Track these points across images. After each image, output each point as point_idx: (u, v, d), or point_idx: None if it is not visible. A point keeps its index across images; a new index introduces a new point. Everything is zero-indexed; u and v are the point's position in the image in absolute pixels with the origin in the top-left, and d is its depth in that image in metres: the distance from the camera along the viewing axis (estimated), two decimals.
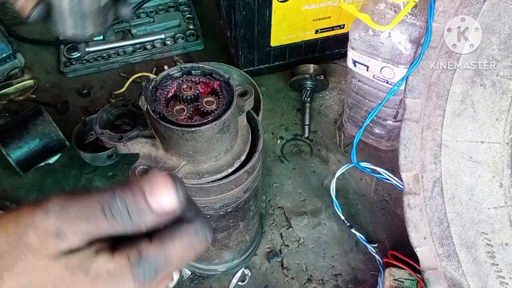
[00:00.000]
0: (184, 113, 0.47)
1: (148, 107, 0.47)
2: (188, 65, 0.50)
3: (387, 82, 0.74)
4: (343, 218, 0.77)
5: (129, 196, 0.28)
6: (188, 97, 0.48)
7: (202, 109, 0.47)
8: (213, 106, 0.47)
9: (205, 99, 0.48)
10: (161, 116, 0.47)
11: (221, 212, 0.58)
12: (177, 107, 0.47)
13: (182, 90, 0.48)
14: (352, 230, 0.77)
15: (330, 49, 1.04)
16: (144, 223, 0.28)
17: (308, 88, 0.98)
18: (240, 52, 0.97)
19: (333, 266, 0.77)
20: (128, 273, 0.28)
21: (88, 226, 0.28)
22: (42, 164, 0.87)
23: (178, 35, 1.11)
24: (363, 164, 0.74)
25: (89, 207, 0.28)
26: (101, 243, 0.28)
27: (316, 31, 0.98)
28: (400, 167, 0.64)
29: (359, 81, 0.80)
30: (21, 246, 0.27)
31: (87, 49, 1.07)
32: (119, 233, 0.28)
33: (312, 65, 0.99)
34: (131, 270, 0.28)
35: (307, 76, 0.98)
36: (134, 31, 1.11)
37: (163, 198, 0.28)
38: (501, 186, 0.57)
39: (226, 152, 0.52)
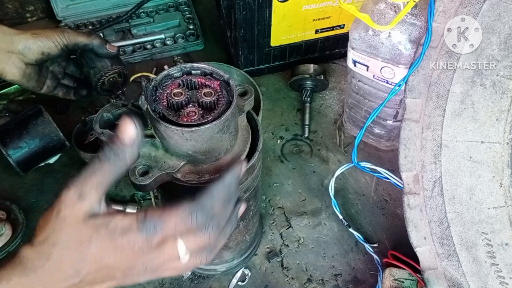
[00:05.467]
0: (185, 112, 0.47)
1: (148, 106, 0.47)
2: (188, 65, 0.50)
3: (387, 82, 0.74)
4: (341, 217, 0.77)
5: (114, 141, 0.41)
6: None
7: (200, 100, 0.48)
8: (211, 97, 0.48)
9: (204, 90, 0.48)
10: (161, 116, 0.47)
11: None
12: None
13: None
14: (350, 230, 0.77)
15: (330, 49, 1.04)
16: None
17: (308, 88, 0.98)
18: (240, 52, 0.97)
19: (333, 266, 0.77)
20: (135, 227, 0.38)
21: (96, 179, 0.39)
22: (42, 164, 0.87)
23: (178, 35, 1.11)
24: (363, 164, 0.74)
25: (90, 167, 0.40)
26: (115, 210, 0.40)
27: (316, 31, 0.98)
28: (400, 167, 0.65)
29: (359, 81, 0.80)
30: (59, 220, 0.38)
31: None
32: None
33: (312, 65, 0.99)
34: (137, 226, 0.38)
35: (307, 76, 0.98)
36: (134, 31, 1.11)
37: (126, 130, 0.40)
38: (501, 186, 0.57)
39: (226, 152, 0.52)
